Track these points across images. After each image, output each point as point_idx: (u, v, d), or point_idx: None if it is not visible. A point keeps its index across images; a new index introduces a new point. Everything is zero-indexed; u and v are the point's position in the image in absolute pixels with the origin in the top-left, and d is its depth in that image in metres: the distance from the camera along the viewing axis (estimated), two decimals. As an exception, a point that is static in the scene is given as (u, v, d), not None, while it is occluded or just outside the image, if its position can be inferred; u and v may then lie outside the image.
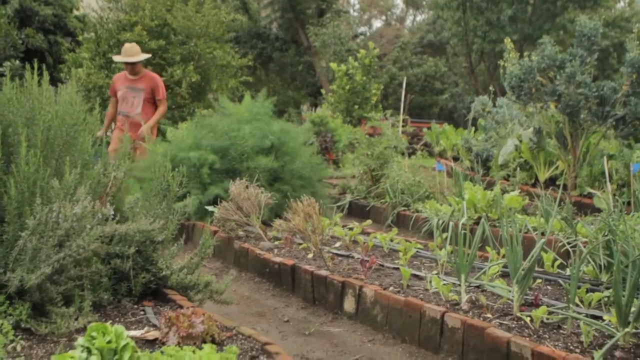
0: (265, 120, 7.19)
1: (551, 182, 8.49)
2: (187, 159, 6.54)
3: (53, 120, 3.46)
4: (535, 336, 3.23)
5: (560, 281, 4.12)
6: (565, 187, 7.96)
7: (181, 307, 3.34)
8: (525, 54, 8.29)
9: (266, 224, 6.08)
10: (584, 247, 4.23)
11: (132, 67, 7.80)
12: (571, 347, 3.08)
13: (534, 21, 26.56)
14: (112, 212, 3.42)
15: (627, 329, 3.06)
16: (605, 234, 4.21)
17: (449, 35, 30.75)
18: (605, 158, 6.74)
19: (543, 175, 8.48)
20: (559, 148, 8.06)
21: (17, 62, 13.94)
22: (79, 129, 3.60)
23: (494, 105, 10.67)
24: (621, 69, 7.72)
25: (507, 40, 10.76)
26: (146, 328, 3.05)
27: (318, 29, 27.80)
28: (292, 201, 5.14)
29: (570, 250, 4.52)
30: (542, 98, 7.85)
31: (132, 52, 7.78)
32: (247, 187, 5.86)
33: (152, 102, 7.85)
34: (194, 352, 2.51)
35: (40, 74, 3.62)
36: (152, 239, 3.60)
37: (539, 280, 4.22)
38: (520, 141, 8.70)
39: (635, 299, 3.11)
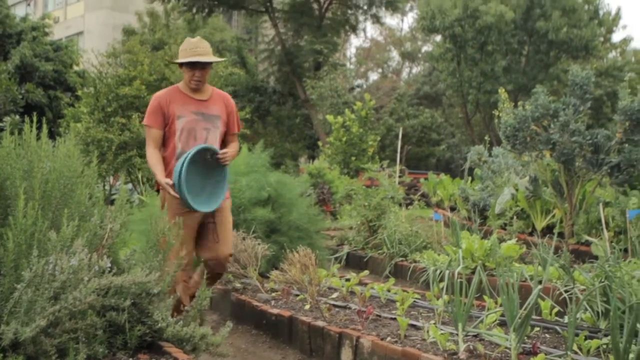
0: (262, 172, 7.23)
1: (548, 230, 8.48)
2: (185, 211, 6.55)
3: (51, 173, 3.49)
4: (533, 385, 3.21)
5: (558, 329, 4.11)
6: (562, 235, 7.96)
7: (177, 359, 3.32)
8: (520, 103, 8.39)
9: (263, 275, 6.07)
10: (581, 294, 4.23)
11: (201, 74, 4.64)
12: (570, 396, 3.06)
13: (527, 72, 26.96)
14: (109, 265, 3.43)
15: (625, 376, 3.05)
16: (602, 280, 4.21)
17: (445, 86, 31.20)
18: (601, 205, 6.76)
19: (540, 223, 8.49)
20: (555, 196, 8.08)
21: (17, 117, 14.08)
22: (76, 182, 3.63)
23: (490, 155, 10.74)
24: (614, 117, 7.79)
25: (502, 90, 10.93)
26: (141, 381, 3.02)
27: (315, 82, 28.12)
28: (289, 252, 5.15)
29: (567, 297, 4.51)
30: (537, 147, 7.91)
31: (204, 50, 4.65)
32: (243, 238, 5.87)
33: (222, 138, 4.90)
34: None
35: (39, 128, 3.67)
36: (148, 291, 3.60)
37: (537, 329, 4.20)
38: (517, 190, 8.73)
39: (633, 345, 3.10)
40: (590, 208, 8.06)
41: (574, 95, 7.93)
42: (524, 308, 3.53)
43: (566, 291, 4.65)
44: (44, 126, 3.71)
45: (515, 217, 8.45)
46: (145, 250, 3.92)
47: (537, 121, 7.87)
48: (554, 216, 8.42)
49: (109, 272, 3.38)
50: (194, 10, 30.91)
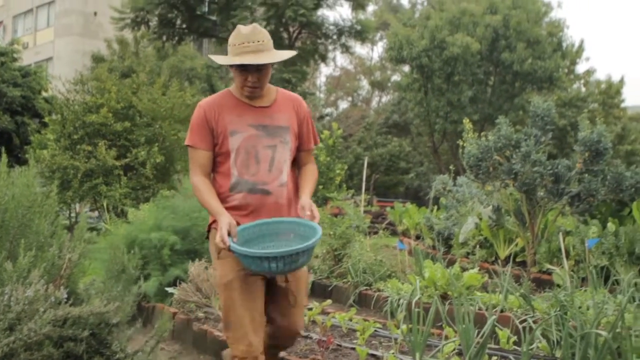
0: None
1: (511, 259, 8.59)
2: (148, 240, 6.54)
3: (9, 203, 3.48)
4: (488, 414, 3.25)
5: (512, 358, 4.16)
6: (525, 263, 8.07)
7: (134, 390, 3.30)
8: (483, 133, 8.54)
9: (227, 304, 6.04)
10: (536, 323, 4.30)
11: (257, 78, 3.41)
12: None
13: (493, 102, 27.48)
14: (66, 295, 3.41)
15: (576, 405, 3.10)
16: (557, 309, 4.28)
17: (413, 115, 31.54)
18: (561, 234, 6.87)
19: (503, 252, 8.59)
20: (518, 225, 8.20)
21: (-18, 143, 13.92)
22: (35, 212, 3.62)
23: (455, 184, 10.88)
24: (574, 147, 7.96)
25: (466, 120, 11.10)
26: (97, 413, 3.01)
27: (284, 111, 28.16)
28: (252, 281, 5.15)
29: (521, 327, 4.57)
30: (499, 176, 8.04)
31: (258, 45, 3.36)
32: (206, 268, 5.86)
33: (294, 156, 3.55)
34: None
35: (-1, 156, 3.66)
36: (107, 321, 3.58)
37: (494, 358, 4.25)
38: (480, 219, 8.84)
39: (584, 374, 3.17)
40: (552, 237, 8.18)
41: (536, 126, 8.09)
42: (479, 337, 3.58)
43: (523, 320, 4.72)
44: (4, 154, 3.70)
45: (478, 245, 8.54)
46: (105, 280, 3.90)
47: (499, 151, 8.01)
48: (516, 245, 8.53)
49: (67, 302, 3.37)
50: (164, 38, 31.01)
